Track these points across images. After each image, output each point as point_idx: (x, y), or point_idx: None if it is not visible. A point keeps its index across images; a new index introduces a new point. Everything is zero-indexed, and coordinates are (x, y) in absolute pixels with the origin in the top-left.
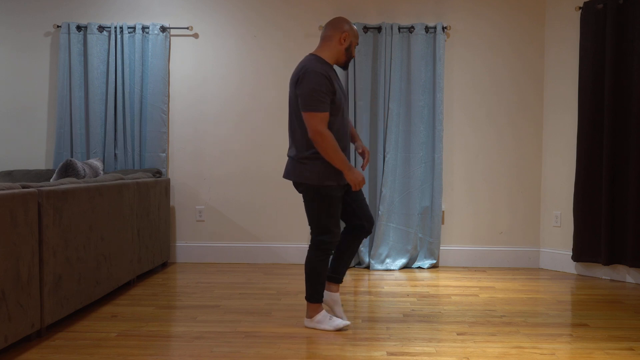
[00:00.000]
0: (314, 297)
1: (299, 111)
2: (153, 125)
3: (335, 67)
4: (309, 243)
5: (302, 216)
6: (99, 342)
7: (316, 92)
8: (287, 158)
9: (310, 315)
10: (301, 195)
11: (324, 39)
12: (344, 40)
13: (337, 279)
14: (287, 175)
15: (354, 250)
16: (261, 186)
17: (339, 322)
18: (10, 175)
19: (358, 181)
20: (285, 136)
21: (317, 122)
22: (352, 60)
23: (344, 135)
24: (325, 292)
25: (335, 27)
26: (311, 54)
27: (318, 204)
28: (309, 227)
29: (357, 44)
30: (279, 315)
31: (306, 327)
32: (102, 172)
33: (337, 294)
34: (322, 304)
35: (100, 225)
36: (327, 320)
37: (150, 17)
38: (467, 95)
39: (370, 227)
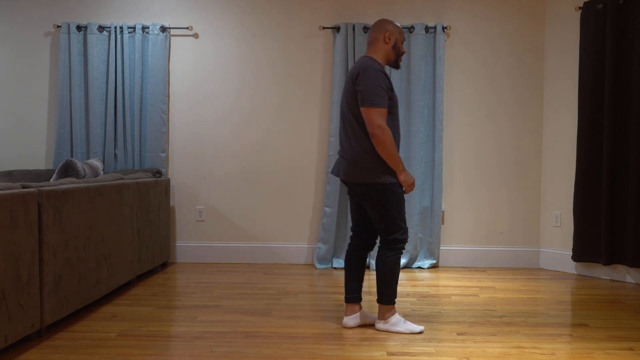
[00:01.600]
0: (390, 298)
1: (357, 107)
2: (153, 125)
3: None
4: (379, 246)
5: (302, 216)
6: (99, 342)
7: (376, 87)
8: (285, 157)
9: (385, 317)
10: (355, 197)
11: (370, 43)
12: (389, 39)
13: (359, 298)
14: (349, 177)
15: (365, 264)
16: (261, 186)
17: (414, 327)
18: (10, 175)
19: (411, 182)
20: (285, 135)
21: (377, 116)
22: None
23: (398, 137)
24: (352, 317)
25: (378, 29)
26: (365, 56)
27: (390, 202)
28: (310, 227)
29: (404, 40)
30: (279, 315)
31: (378, 329)
32: (102, 172)
33: (360, 310)
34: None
35: (100, 225)
36: (401, 323)
37: (150, 17)
38: (467, 95)
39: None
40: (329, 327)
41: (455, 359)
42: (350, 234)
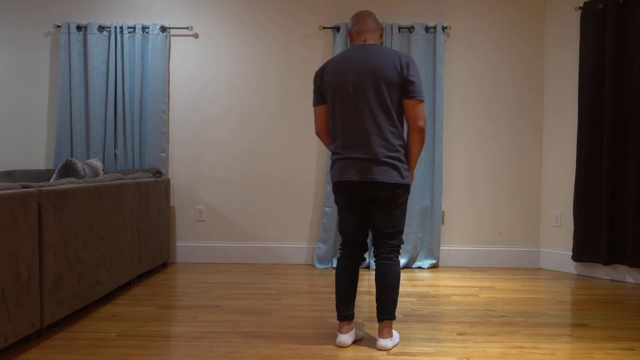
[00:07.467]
0: (395, 310)
1: (397, 101)
2: (153, 125)
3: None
4: (386, 254)
5: (302, 216)
6: (99, 342)
7: (421, 80)
8: (285, 158)
9: (391, 333)
10: (377, 199)
11: (373, 31)
12: (381, 37)
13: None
14: (387, 176)
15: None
16: (261, 186)
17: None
18: (10, 175)
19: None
20: (286, 135)
21: (424, 111)
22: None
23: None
24: (351, 334)
25: (378, 22)
26: (386, 46)
27: (406, 204)
28: (310, 227)
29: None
30: (279, 315)
31: (385, 348)
32: (102, 172)
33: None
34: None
35: (100, 225)
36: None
37: (150, 17)
38: (467, 95)
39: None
40: (329, 327)
41: (455, 359)
42: (345, 246)
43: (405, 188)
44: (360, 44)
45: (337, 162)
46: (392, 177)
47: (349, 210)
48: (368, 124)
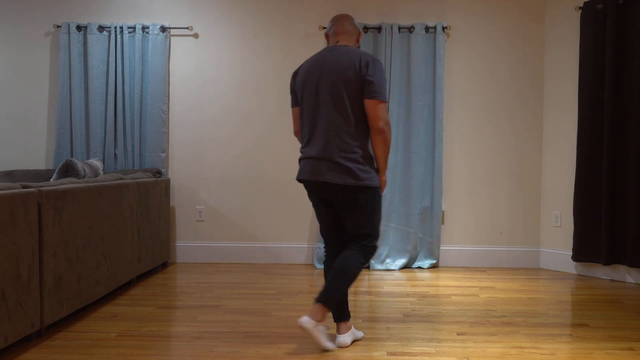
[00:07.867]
0: (334, 303)
1: (356, 101)
2: (153, 125)
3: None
4: (356, 249)
5: (302, 216)
6: (99, 342)
7: (385, 81)
8: (285, 158)
9: (320, 319)
10: (339, 202)
11: (348, 33)
12: (357, 41)
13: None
14: (342, 179)
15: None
16: (261, 186)
17: (330, 344)
18: (10, 175)
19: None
20: (286, 135)
21: (386, 111)
22: None
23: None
24: (349, 334)
25: (355, 26)
26: (353, 46)
27: (377, 206)
28: (310, 227)
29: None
30: (279, 315)
31: (302, 325)
32: (102, 172)
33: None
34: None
35: (100, 225)
36: (323, 333)
37: (150, 17)
38: (467, 95)
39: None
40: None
41: (455, 359)
42: (326, 247)
43: (369, 191)
44: (332, 46)
45: (300, 161)
46: (343, 179)
47: (320, 210)
48: (326, 124)
